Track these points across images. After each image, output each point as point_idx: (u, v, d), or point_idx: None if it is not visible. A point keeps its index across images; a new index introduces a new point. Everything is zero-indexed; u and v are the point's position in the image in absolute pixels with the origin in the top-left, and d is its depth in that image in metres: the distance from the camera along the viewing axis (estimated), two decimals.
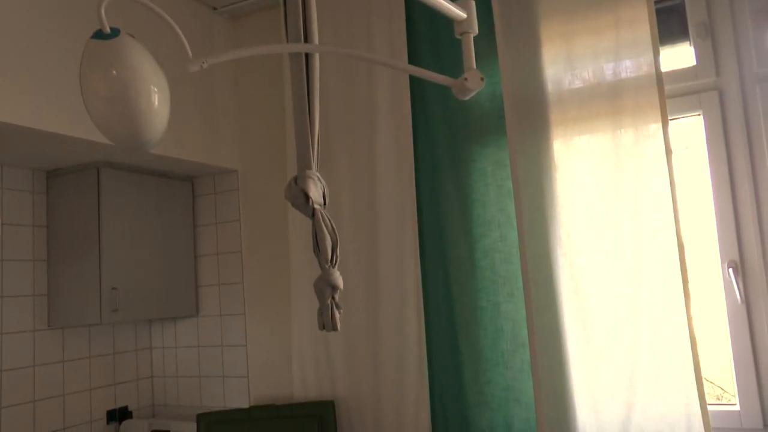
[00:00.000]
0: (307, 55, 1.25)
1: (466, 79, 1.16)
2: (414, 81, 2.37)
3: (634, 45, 1.99)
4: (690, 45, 2.12)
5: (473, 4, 1.22)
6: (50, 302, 2.52)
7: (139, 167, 2.63)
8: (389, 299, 2.34)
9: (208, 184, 2.91)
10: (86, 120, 2.11)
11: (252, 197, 2.79)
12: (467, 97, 1.20)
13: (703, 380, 1.87)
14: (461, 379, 2.24)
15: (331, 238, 1.21)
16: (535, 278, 2.07)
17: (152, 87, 1.07)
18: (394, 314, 2.33)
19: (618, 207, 2.00)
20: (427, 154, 2.36)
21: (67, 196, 2.52)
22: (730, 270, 2.03)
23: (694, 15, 2.11)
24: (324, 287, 1.20)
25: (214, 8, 2.79)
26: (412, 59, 2.38)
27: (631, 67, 1.99)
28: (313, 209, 1.21)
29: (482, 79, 1.17)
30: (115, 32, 1.05)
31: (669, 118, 1.96)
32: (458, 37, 1.21)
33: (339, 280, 1.20)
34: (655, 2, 2.03)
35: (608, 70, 2.03)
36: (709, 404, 2.01)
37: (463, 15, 1.20)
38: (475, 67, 1.18)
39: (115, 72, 1.04)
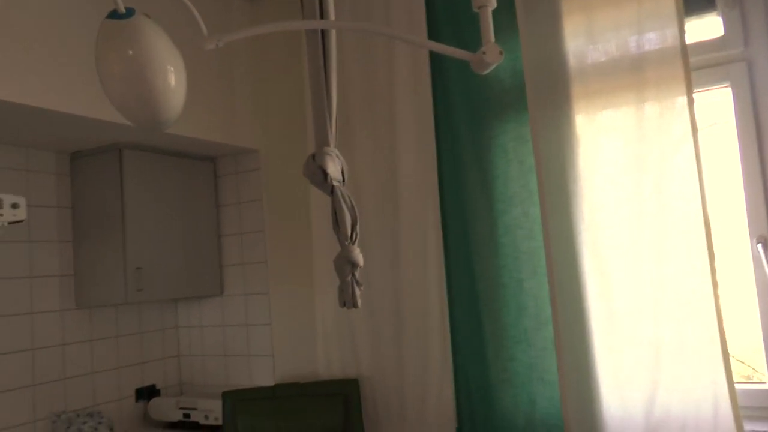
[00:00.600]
0: (323, 31, 1.24)
1: (484, 53, 1.14)
2: (434, 56, 2.34)
3: (658, 16, 1.94)
4: (717, 15, 2.06)
5: None
6: (77, 282, 2.57)
7: (160, 148, 2.64)
8: (412, 277, 2.34)
9: (230, 164, 2.92)
10: (108, 102, 2.12)
11: (273, 176, 2.79)
12: (486, 72, 1.18)
13: (731, 359, 1.84)
14: (484, 356, 2.23)
15: (350, 215, 1.21)
16: (558, 255, 2.05)
17: (168, 66, 1.07)
18: (417, 292, 2.33)
19: (642, 181, 1.96)
20: (448, 131, 2.34)
21: (90, 177, 2.55)
22: (760, 246, 1.99)
23: None
24: (344, 264, 1.20)
25: None
26: (432, 34, 2.35)
27: (655, 39, 1.95)
28: (332, 186, 1.21)
29: (501, 53, 1.15)
30: (130, 12, 1.05)
31: (696, 90, 1.91)
32: (476, 10, 1.19)
33: (359, 257, 1.20)
34: None
35: (631, 42, 1.98)
36: (739, 383, 1.98)
37: None
38: (493, 40, 1.16)
39: (131, 52, 1.04)
